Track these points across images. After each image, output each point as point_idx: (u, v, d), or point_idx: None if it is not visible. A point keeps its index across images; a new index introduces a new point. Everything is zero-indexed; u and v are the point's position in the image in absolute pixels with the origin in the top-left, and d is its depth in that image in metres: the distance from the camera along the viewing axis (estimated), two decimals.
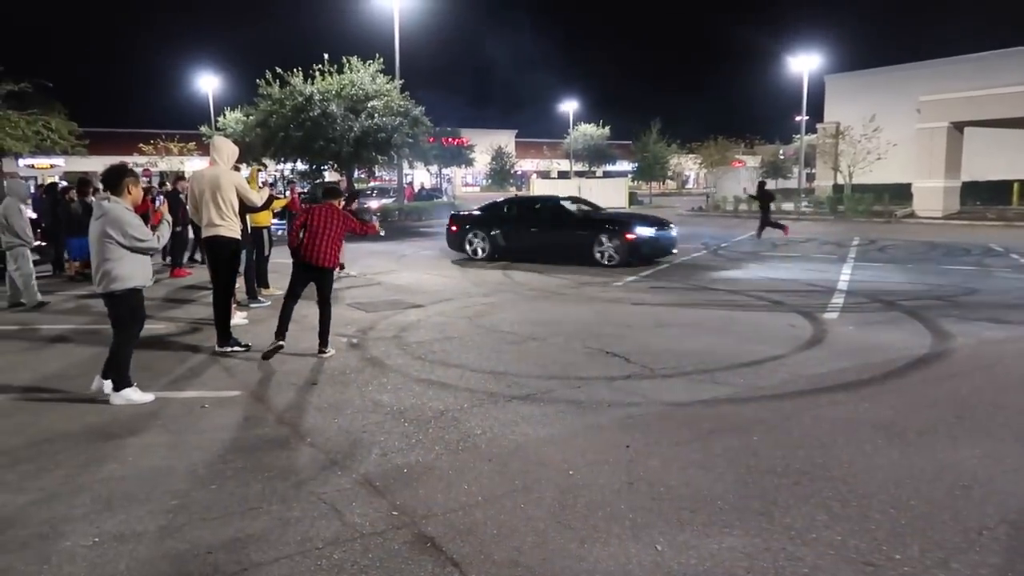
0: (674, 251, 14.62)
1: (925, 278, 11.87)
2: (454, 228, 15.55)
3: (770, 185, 21.91)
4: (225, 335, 7.05)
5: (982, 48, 40.78)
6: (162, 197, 12.39)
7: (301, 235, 6.87)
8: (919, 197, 28.76)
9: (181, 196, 13.24)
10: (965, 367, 6.32)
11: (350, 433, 4.77)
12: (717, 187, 47.78)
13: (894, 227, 24.86)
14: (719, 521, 3.49)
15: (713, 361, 6.51)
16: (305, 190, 26.07)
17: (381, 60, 26.93)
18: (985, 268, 13.18)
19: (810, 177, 48.57)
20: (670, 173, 59.84)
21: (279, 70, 25.84)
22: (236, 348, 7.01)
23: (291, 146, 25.76)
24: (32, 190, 14.50)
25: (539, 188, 34.71)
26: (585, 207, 15.48)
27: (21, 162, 42.89)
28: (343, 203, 7.45)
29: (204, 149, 33.26)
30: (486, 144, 61.52)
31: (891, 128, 35.49)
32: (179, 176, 17.18)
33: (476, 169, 64.01)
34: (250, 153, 25.83)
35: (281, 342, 6.66)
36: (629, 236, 13.38)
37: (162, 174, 38.76)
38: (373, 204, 28.99)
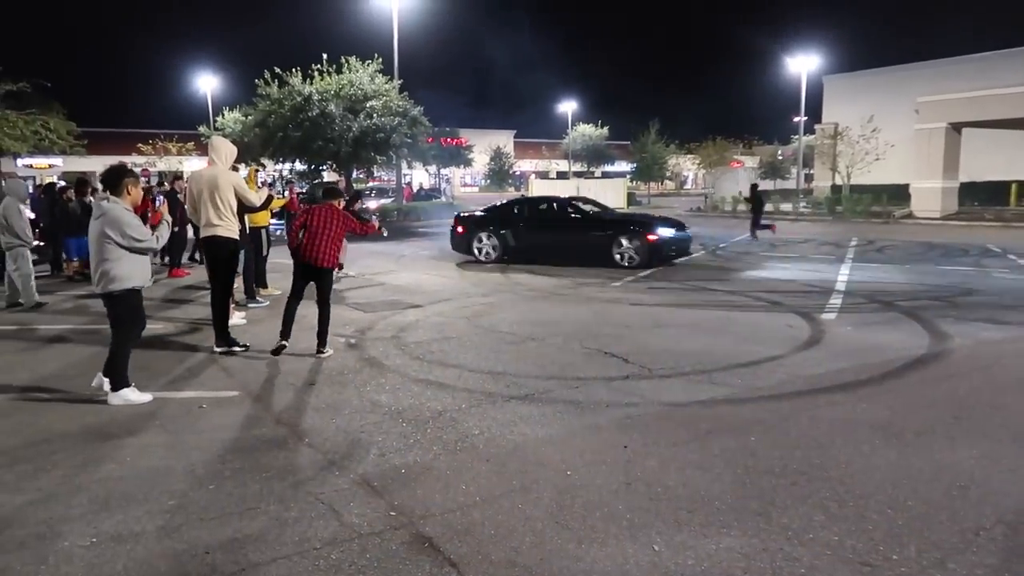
0: (690, 252, 14.28)
1: (923, 279, 11.88)
2: (460, 229, 14.97)
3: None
4: (223, 335, 7.05)
5: (981, 49, 40.92)
6: (162, 197, 12.38)
7: (300, 235, 6.88)
8: (917, 198, 28.81)
9: (179, 196, 13.23)
10: (963, 368, 6.33)
11: (348, 433, 4.77)
12: (715, 188, 47.81)
13: (892, 228, 24.90)
14: (716, 521, 3.50)
15: (711, 362, 6.51)
16: (303, 190, 26.07)
17: (380, 60, 26.96)
18: (983, 269, 13.20)
19: (808, 178, 48.66)
20: (668, 173, 59.97)
21: (278, 70, 25.87)
22: (234, 348, 7.01)
23: (290, 146, 25.77)
24: (30, 190, 14.46)
25: (538, 188, 34.72)
26: (595, 207, 15.16)
27: (19, 162, 42.91)
28: (343, 203, 7.45)
29: (203, 149, 33.23)
30: (485, 144, 61.56)
31: (889, 129, 35.53)
32: (176, 176, 17.17)
33: (475, 169, 64.04)
34: (249, 153, 25.86)
35: (284, 342, 6.83)
36: (651, 237, 13.13)
37: (160, 174, 38.73)
38: (372, 204, 29.00)
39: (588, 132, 65.19)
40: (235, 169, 7.77)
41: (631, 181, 52.32)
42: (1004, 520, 3.48)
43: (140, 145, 45.98)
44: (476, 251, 14.55)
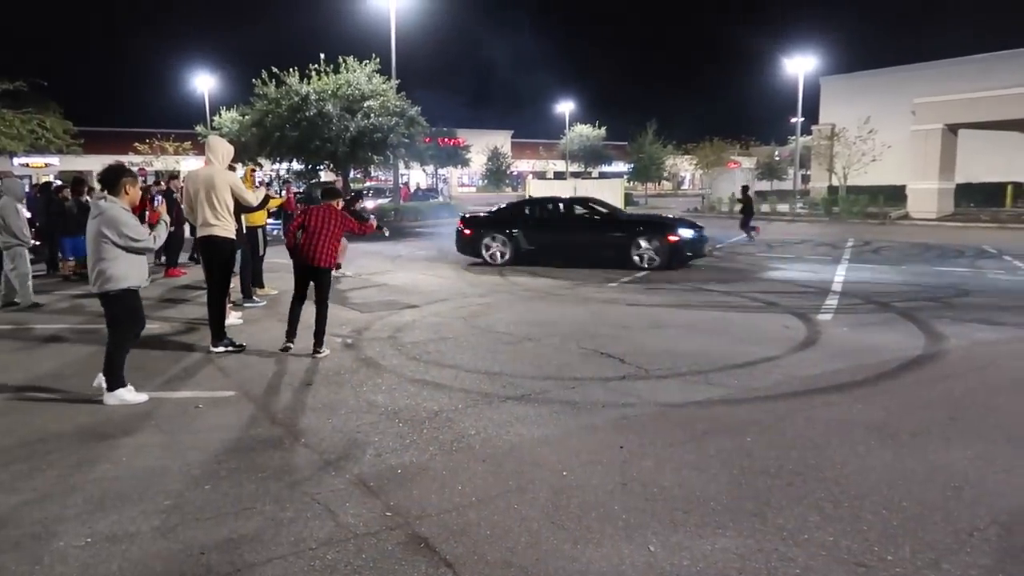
0: (705, 253, 14.04)
1: (919, 279, 11.91)
2: (468, 231, 14.38)
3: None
4: (219, 335, 7.04)
5: (978, 51, 41.00)
6: (160, 197, 12.35)
7: (298, 236, 6.90)
8: (913, 199, 28.89)
9: (175, 196, 13.21)
10: (958, 369, 6.35)
11: (344, 433, 4.77)
12: (712, 188, 47.86)
13: (888, 228, 24.95)
14: (712, 522, 3.50)
15: (707, 362, 6.52)
16: (301, 190, 26.04)
17: (377, 60, 26.95)
18: (978, 270, 13.23)
19: (805, 179, 48.73)
20: (666, 174, 60.00)
21: (275, 70, 25.86)
22: (230, 348, 7.00)
23: (287, 146, 25.75)
24: (26, 189, 14.42)
25: (535, 189, 34.69)
26: (607, 208, 14.83)
27: (16, 161, 42.78)
28: (341, 203, 7.44)
29: (200, 148, 33.21)
30: (482, 144, 61.55)
31: (886, 130, 35.60)
32: (172, 175, 17.14)
33: (472, 169, 64.04)
34: (246, 153, 25.84)
35: (290, 343, 6.95)
36: (672, 238, 12.93)
37: (157, 173, 38.69)
38: (369, 204, 28.97)
39: (585, 132, 65.23)
40: (232, 169, 7.76)
41: (628, 182, 52.32)
42: (998, 521, 3.49)
43: (137, 144, 45.90)
44: (485, 253, 14.03)
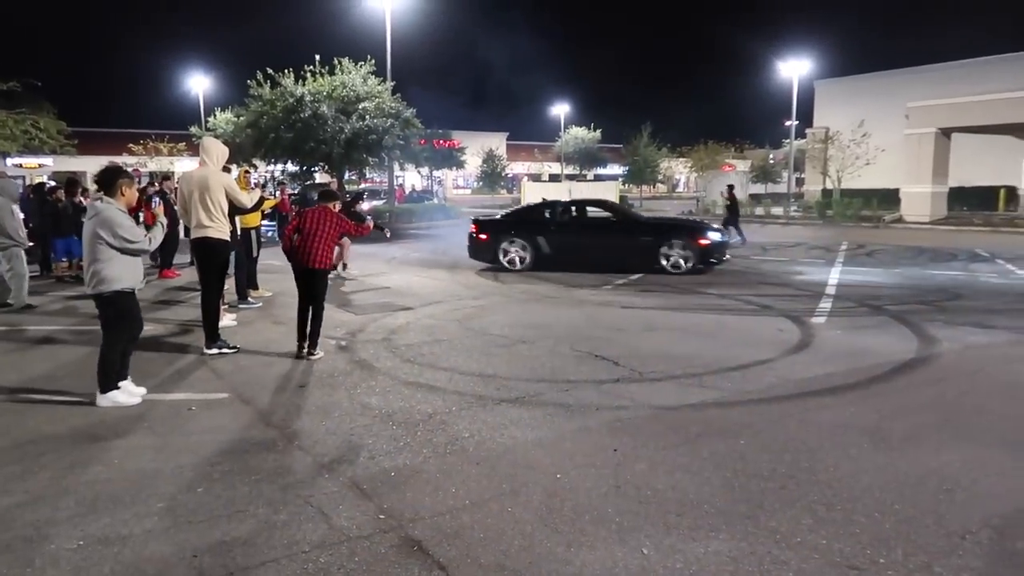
0: (726, 258, 13.79)
1: (912, 282, 11.96)
2: (483, 236, 13.77)
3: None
4: (213, 337, 7.02)
5: (971, 55, 41.17)
6: (158, 199, 12.33)
7: (294, 238, 6.90)
8: (907, 202, 29.00)
9: (169, 196, 13.18)
10: (950, 372, 6.37)
11: (338, 436, 4.76)
12: (707, 191, 48.00)
13: (882, 232, 25.05)
14: (705, 525, 3.51)
15: (701, 365, 6.54)
16: (295, 191, 25.98)
17: (372, 62, 26.91)
18: (971, 273, 13.29)
19: (799, 182, 48.84)
20: (660, 177, 59.99)
21: (270, 71, 25.78)
22: (224, 350, 6.99)
23: (282, 147, 25.69)
24: (20, 190, 14.40)
25: (530, 191, 34.73)
26: (624, 212, 14.56)
27: (9, 161, 42.56)
28: (338, 205, 7.44)
29: (194, 150, 33.08)
30: (477, 146, 61.47)
31: (880, 133, 35.73)
32: (165, 176, 17.08)
33: (467, 171, 63.96)
34: (240, 154, 25.76)
35: (303, 348, 6.90)
36: (703, 242, 12.71)
37: (151, 174, 38.57)
38: (364, 206, 28.92)
39: (580, 135, 65.19)
40: (227, 170, 7.75)
41: (623, 184, 52.36)
42: (990, 524, 3.51)
43: (131, 145, 45.68)
44: (503, 259, 13.44)
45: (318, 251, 6.84)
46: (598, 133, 64.98)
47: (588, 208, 14.39)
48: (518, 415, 5.16)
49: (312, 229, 6.85)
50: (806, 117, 47.75)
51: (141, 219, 10.95)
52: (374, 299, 10.42)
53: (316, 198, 7.42)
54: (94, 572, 3.11)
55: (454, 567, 3.13)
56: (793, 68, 39.56)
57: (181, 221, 8.61)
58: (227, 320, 8.19)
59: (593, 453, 4.45)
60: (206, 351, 6.98)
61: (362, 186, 40.34)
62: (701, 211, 36.14)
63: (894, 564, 3.15)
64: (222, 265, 7.26)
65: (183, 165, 40.56)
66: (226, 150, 7.49)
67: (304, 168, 29.29)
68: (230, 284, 8.68)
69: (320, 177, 31.92)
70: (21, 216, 9.91)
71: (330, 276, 7.39)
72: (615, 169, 65.16)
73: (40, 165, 46.58)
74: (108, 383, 5.38)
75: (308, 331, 6.88)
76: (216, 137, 20.65)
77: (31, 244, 10.24)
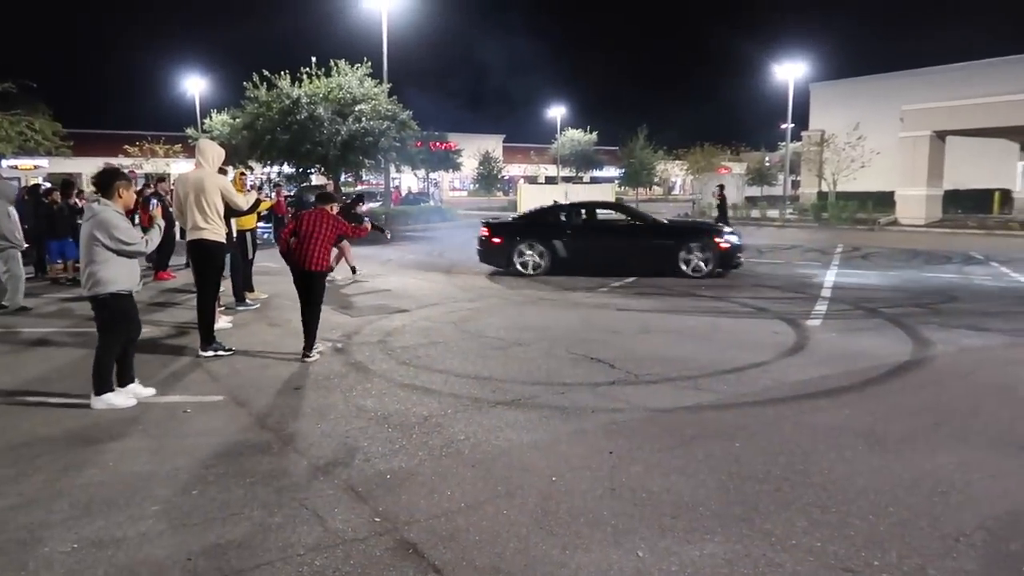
0: (742, 261, 13.57)
1: (907, 285, 11.99)
2: (497, 239, 13.34)
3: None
4: (209, 339, 7.01)
5: (965, 59, 41.36)
6: (155, 201, 12.30)
7: (290, 241, 6.90)
8: (902, 205, 29.09)
9: (165, 197, 13.15)
10: (945, 374, 6.39)
11: (333, 438, 4.75)
12: (703, 193, 48.03)
13: (877, 234, 25.11)
14: (700, 527, 3.51)
15: (697, 367, 6.54)
16: (291, 193, 25.97)
17: (369, 63, 26.89)
18: (966, 275, 13.33)
19: (795, 184, 48.98)
20: (656, 179, 60.09)
21: (266, 72, 25.74)
22: (220, 352, 6.98)
23: (278, 149, 25.64)
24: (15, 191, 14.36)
25: (526, 193, 34.75)
26: (638, 214, 14.32)
27: (4, 163, 42.46)
28: (336, 208, 7.43)
29: (190, 151, 33.05)
30: (474, 149, 61.54)
31: (875, 136, 35.85)
32: (160, 177, 17.05)
33: (463, 174, 64.00)
34: (236, 156, 25.70)
35: (311, 350, 6.89)
36: (723, 245, 12.55)
37: (147, 176, 38.50)
38: (361, 208, 28.91)
39: (577, 137, 65.27)
40: (223, 172, 7.74)
41: (619, 186, 52.44)
42: (984, 526, 3.52)
43: (127, 147, 45.63)
44: (517, 261, 13.09)
45: (315, 253, 6.84)
46: (594, 135, 65.07)
47: (604, 211, 14.29)
48: (514, 418, 5.16)
49: (309, 231, 6.85)
50: (802, 120, 47.93)
51: (136, 221, 10.92)
52: (370, 301, 10.41)
53: (313, 200, 7.42)
54: (88, 575, 3.10)
55: (449, 570, 3.13)
56: (789, 71, 39.68)
57: (177, 223, 8.57)
58: (223, 322, 8.18)
59: (588, 455, 4.45)
60: (201, 353, 6.97)
61: (358, 188, 40.35)
62: (697, 213, 36.16)
63: (889, 566, 3.15)
64: (218, 267, 7.25)
65: (179, 167, 40.52)
66: (222, 152, 7.47)
67: (300, 170, 29.26)
68: (226, 286, 8.67)
69: (316, 179, 31.89)
70: (17, 218, 9.88)
71: (345, 280, 7.43)
72: (611, 171, 65.21)
73: (36, 167, 46.43)
74: (103, 385, 5.36)
75: (304, 333, 6.88)
76: (212, 139, 20.64)
77: (27, 246, 10.21)
